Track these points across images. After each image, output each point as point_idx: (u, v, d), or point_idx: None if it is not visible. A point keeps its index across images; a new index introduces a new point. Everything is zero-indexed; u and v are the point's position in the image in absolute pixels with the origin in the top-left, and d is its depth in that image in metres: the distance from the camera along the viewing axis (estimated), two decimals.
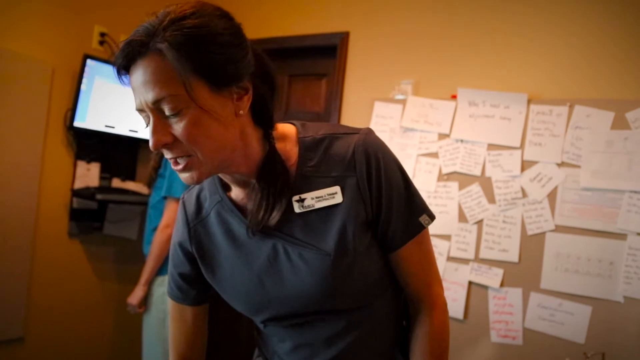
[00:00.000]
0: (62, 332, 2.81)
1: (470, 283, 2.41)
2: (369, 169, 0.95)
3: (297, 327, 1.02)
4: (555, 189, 2.28)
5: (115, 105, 2.82)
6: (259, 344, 1.16)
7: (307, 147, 0.98)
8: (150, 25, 0.84)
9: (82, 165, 2.83)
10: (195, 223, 1.05)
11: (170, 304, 1.13)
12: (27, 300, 2.64)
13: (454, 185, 2.48)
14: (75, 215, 2.83)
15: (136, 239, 3.10)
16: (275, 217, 0.94)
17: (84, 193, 2.76)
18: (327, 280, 0.94)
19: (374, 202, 0.96)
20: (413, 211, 1.00)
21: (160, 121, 0.85)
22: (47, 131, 2.67)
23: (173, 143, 0.86)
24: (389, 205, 0.97)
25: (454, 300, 2.44)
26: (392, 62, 2.77)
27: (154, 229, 2.40)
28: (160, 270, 2.39)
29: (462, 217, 2.45)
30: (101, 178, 2.93)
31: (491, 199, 2.40)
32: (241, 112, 0.90)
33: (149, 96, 0.83)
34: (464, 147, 2.47)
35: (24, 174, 2.58)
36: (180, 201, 1.09)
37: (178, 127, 0.84)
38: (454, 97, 2.52)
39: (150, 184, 2.49)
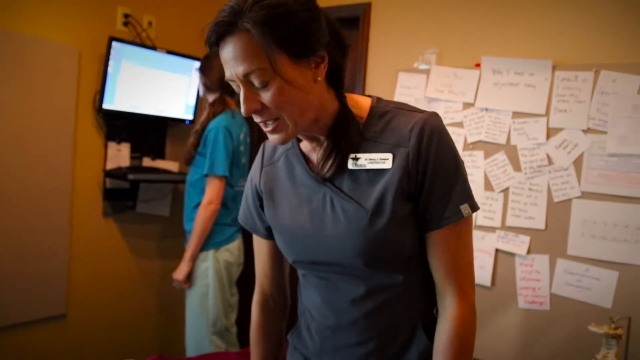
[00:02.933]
0: (102, 308, 2.93)
1: (497, 251, 2.44)
2: (420, 145, 1.01)
3: (327, 282, 1.11)
4: (581, 155, 2.27)
5: (142, 86, 2.88)
6: (299, 301, 1.26)
7: (374, 115, 1.07)
8: (236, 5, 0.94)
9: (112, 146, 2.91)
10: (267, 165, 1.19)
11: (253, 238, 1.26)
12: (68, 279, 2.75)
13: (479, 154, 2.49)
14: (109, 195, 2.92)
15: (169, 216, 3.19)
16: (332, 169, 1.05)
17: (116, 173, 2.84)
18: (361, 235, 1.02)
19: (419, 177, 1.01)
20: (455, 197, 1.02)
21: (250, 91, 0.97)
22: (77, 114, 2.73)
23: (262, 109, 0.99)
24: (432, 184, 1.01)
25: (481, 268, 2.47)
26: (415, 32, 2.75)
27: (195, 206, 2.49)
28: (204, 245, 2.49)
29: (488, 186, 2.47)
30: (132, 158, 3.00)
31: (517, 167, 2.41)
32: (319, 78, 1.01)
33: (239, 70, 0.95)
34: (489, 116, 2.47)
35: (57, 157, 2.66)
36: (261, 146, 1.23)
37: (266, 96, 0.97)
38: (477, 65, 2.51)
39: (188, 161, 2.56)
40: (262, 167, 1.19)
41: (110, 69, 2.71)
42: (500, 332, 2.44)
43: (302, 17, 0.95)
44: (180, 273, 2.50)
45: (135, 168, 2.96)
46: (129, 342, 3.05)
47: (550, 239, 2.33)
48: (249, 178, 1.23)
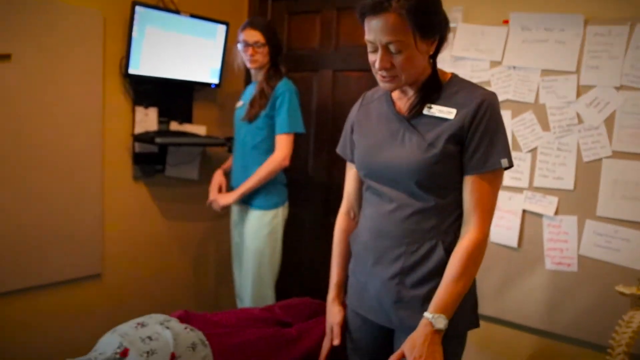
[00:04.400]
0: (134, 267, 3.04)
1: (524, 212, 2.41)
2: (479, 109, 1.38)
3: (380, 198, 1.50)
4: (613, 113, 2.19)
5: (167, 51, 2.89)
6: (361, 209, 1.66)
7: (451, 83, 1.46)
8: None
9: (140, 111, 2.95)
10: (364, 105, 1.62)
11: (347, 165, 1.70)
12: (102, 240, 2.85)
13: (506, 113, 2.42)
14: (138, 159, 2.98)
15: (197, 179, 3.25)
16: (412, 112, 1.45)
17: (144, 137, 2.89)
18: (418, 159, 1.39)
19: (471, 130, 1.38)
20: (497, 151, 1.38)
21: (385, 53, 1.36)
22: (105, 79, 2.77)
23: (389, 67, 1.37)
24: (481, 138, 1.37)
25: (508, 229, 2.44)
26: None
27: (257, 164, 2.63)
28: (274, 204, 2.67)
29: (515, 146, 2.41)
30: (159, 122, 3.04)
31: (545, 127, 2.34)
32: (431, 52, 1.40)
33: (384, 39, 1.33)
34: (517, 74, 2.40)
35: (87, 123, 2.72)
36: (362, 95, 1.66)
37: (397, 60, 1.36)
38: (505, 22, 2.42)
39: (251, 120, 2.66)
40: (360, 106, 1.63)
41: (134, 34, 2.73)
42: (527, 294, 2.43)
43: (435, 8, 1.36)
44: (224, 199, 2.67)
45: (163, 132, 3.00)
46: (159, 298, 3.16)
47: (579, 199, 2.28)
48: (348, 116, 1.66)
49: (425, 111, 1.43)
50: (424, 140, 1.40)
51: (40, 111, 2.53)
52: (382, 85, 1.43)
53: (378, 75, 1.42)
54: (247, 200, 2.70)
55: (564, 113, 2.30)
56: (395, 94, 1.54)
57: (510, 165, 1.41)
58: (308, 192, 3.28)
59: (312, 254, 3.31)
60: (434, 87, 1.44)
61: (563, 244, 2.33)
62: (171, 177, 3.15)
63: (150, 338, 1.49)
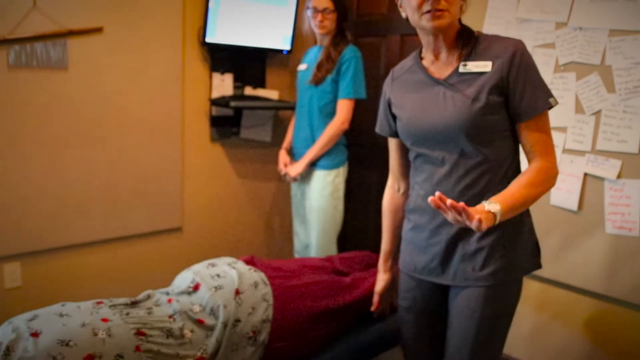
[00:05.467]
0: (211, 222, 3.31)
1: (585, 175, 2.40)
2: (513, 57, 1.43)
3: (431, 164, 1.55)
4: None
5: (241, 19, 3.06)
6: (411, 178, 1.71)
7: (481, 38, 1.51)
8: None
9: (217, 77, 3.16)
10: (396, 79, 1.65)
11: (389, 142, 1.74)
12: (182, 196, 3.11)
13: (570, 75, 2.41)
14: (215, 122, 3.21)
15: (270, 141, 3.44)
16: (448, 71, 1.50)
17: (221, 101, 3.11)
18: (464, 115, 1.44)
19: (510, 78, 1.43)
20: (542, 93, 1.44)
21: None
22: (184, 48, 3.00)
23: (441, 3, 1.41)
24: (524, 82, 1.43)
25: (569, 192, 2.45)
26: None
27: (322, 126, 2.79)
28: (337, 163, 2.84)
29: (579, 109, 2.40)
30: (235, 87, 3.24)
31: (611, 89, 2.31)
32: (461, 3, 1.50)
33: None
34: (583, 35, 2.36)
35: (169, 89, 2.97)
36: (390, 72, 1.69)
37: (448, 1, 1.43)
38: None
39: (317, 84, 2.80)
40: (392, 81, 1.65)
41: (211, 5, 2.92)
42: (586, 257, 2.44)
43: None
44: (294, 170, 2.84)
45: (238, 96, 3.21)
46: (233, 249, 3.41)
47: None
48: (382, 95, 1.69)
49: (461, 69, 1.47)
50: (466, 96, 1.44)
51: (128, 78, 2.80)
52: (433, 23, 1.43)
53: (427, 15, 1.42)
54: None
55: (632, 74, 2.25)
56: (426, 61, 1.57)
57: (556, 103, 1.47)
58: (375, 154, 3.39)
59: (377, 212, 3.44)
60: (469, 39, 1.50)
61: (625, 208, 2.31)
62: (245, 139, 3.37)
63: (218, 276, 1.70)
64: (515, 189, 1.40)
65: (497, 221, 1.31)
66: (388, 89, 1.67)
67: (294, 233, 3.12)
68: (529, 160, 1.50)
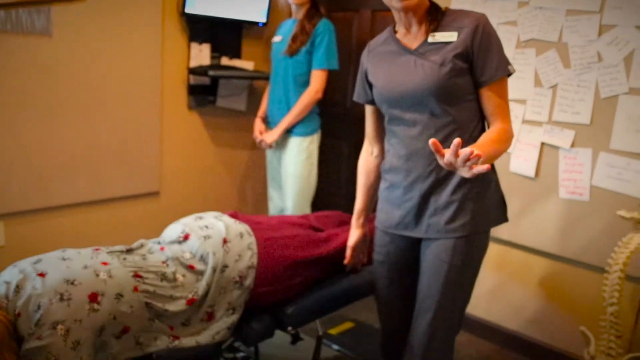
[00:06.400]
0: (188, 188, 3.42)
1: (542, 144, 2.60)
2: (477, 28, 1.58)
3: (404, 126, 1.68)
4: (632, 52, 2.33)
5: None
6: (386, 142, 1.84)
7: (448, 13, 1.65)
8: None
9: (195, 47, 3.24)
10: (372, 51, 1.78)
11: (366, 108, 1.86)
12: (160, 162, 3.21)
13: (531, 52, 2.59)
14: (192, 90, 3.30)
15: (245, 111, 3.55)
16: (418, 42, 1.65)
17: (198, 70, 3.20)
18: (432, 79, 1.58)
19: (474, 47, 1.58)
20: (501, 61, 1.60)
21: None
22: (164, 18, 3.07)
23: None
24: (486, 50, 1.58)
25: (526, 160, 2.65)
26: None
27: (297, 95, 2.92)
28: (310, 130, 2.98)
29: (537, 82, 2.59)
30: (212, 57, 3.33)
31: (567, 64, 2.50)
32: None
33: None
34: (543, 14, 2.55)
35: (149, 57, 3.04)
36: (367, 45, 1.82)
37: None
38: None
39: (292, 55, 2.92)
40: (368, 53, 1.79)
41: None
42: (541, 221, 2.65)
43: None
44: (270, 137, 2.98)
45: (215, 66, 3.30)
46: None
47: (595, 133, 2.45)
48: (360, 65, 1.82)
49: (430, 39, 1.62)
50: (434, 62, 1.59)
51: (109, 46, 2.86)
52: (403, 3, 1.56)
53: None
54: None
55: (586, 51, 2.45)
56: (399, 34, 1.72)
57: (513, 71, 1.63)
58: (346, 124, 3.54)
59: (347, 179, 3.60)
60: (436, 14, 1.64)
61: (577, 174, 2.52)
62: (221, 108, 3.47)
63: (206, 227, 1.82)
64: (485, 142, 1.52)
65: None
66: (365, 60, 1.80)
67: (269, 198, 3.25)
68: (490, 124, 1.66)
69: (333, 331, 2.82)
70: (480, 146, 1.45)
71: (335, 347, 2.54)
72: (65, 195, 2.86)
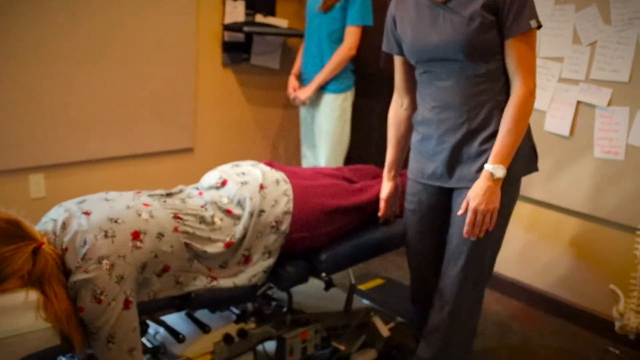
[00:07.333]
0: (222, 144, 3.48)
1: (578, 103, 2.57)
2: None
3: (436, 78, 1.71)
4: None
5: None
6: (417, 94, 1.86)
7: None
8: None
9: (229, 4, 3.27)
10: (399, 2, 1.78)
11: (394, 59, 1.88)
12: (194, 119, 3.26)
13: (570, 7, 2.54)
14: (227, 47, 3.33)
15: (279, 69, 3.57)
16: None
17: (233, 27, 3.23)
18: (461, 34, 1.60)
19: (500, 1, 1.57)
20: (526, 14, 1.58)
21: None
22: None
23: None
24: (511, 4, 1.56)
25: (561, 119, 2.63)
26: None
27: (331, 52, 2.92)
28: (344, 87, 3.00)
29: (576, 40, 2.54)
30: (246, 14, 3.35)
31: (607, 20, 2.45)
32: None
33: None
34: None
35: (184, 12, 3.07)
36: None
37: None
38: None
39: (326, 11, 2.92)
40: (396, 3, 1.78)
41: None
42: (574, 180, 2.64)
43: None
44: (304, 94, 3.00)
45: (250, 23, 3.32)
46: None
47: (633, 92, 2.40)
48: (388, 13, 1.82)
49: None
50: (462, 17, 1.60)
51: (145, 5, 2.90)
52: None
53: None
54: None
55: (627, 7, 2.39)
56: None
57: (540, 25, 1.59)
58: (379, 84, 3.54)
59: (379, 138, 3.61)
60: None
61: (613, 133, 2.49)
62: (255, 66, 3.50)
63: (243, 174, 1.87)
64: (506, 138, 1.61)
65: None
66: (392, 10, 1.80)
67: (302, 156, 3.29)
68: (513, 83, 1.64)
69: (363, 287, 2.88)
70: (503, 151, 1.61)
71: (366, 301, 2.59)
72: (101, 150, 2.95)
